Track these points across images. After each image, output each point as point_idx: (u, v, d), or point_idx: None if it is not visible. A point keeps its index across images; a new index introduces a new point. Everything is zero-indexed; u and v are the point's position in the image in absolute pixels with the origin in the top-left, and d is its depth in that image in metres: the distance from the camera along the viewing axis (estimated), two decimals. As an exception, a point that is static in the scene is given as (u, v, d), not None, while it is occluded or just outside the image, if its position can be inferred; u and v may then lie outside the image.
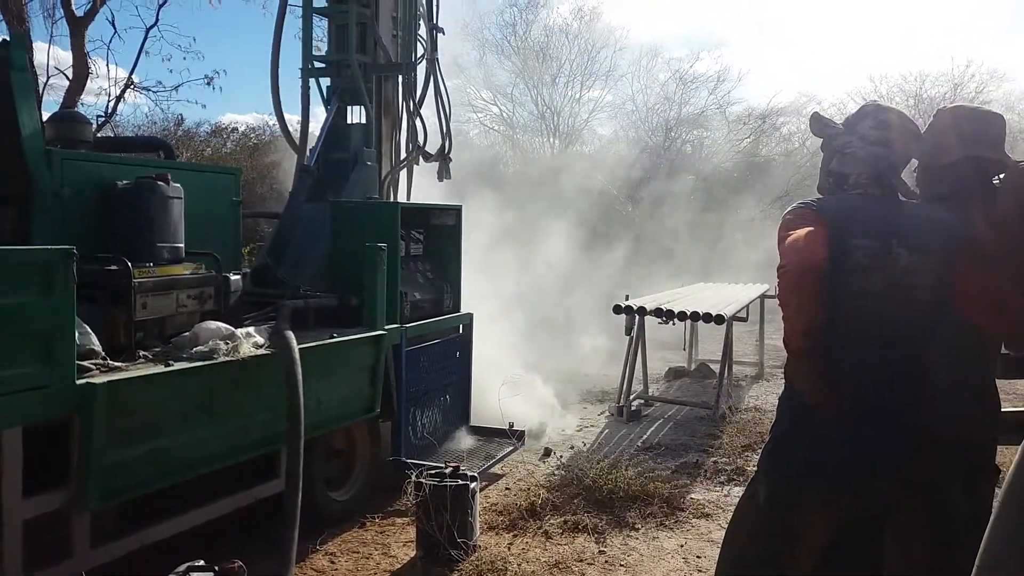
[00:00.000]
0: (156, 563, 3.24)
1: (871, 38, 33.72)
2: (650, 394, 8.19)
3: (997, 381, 2.81)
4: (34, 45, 11.41)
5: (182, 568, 2.89)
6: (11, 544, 2.91)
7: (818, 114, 2.76)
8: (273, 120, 6.78)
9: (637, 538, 4.52)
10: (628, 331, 7.50)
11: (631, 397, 7.51)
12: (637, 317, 7.36)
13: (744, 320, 8.43)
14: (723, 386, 7.70)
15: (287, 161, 6.96)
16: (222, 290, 4.25)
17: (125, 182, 4.13)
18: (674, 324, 7.74)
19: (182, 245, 4.24)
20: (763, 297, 9.54)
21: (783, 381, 2.71)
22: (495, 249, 8.42)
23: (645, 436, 6.80)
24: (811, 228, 2.42)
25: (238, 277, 4.61)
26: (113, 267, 3.71)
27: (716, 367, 8.45)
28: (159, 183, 4.11)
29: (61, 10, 11.96)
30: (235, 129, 27.48)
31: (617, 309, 7.35)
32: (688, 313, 7.18)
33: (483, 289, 6.85)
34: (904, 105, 23.44)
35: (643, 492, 4.95)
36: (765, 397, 8.19)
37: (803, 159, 22.25)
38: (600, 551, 4.32)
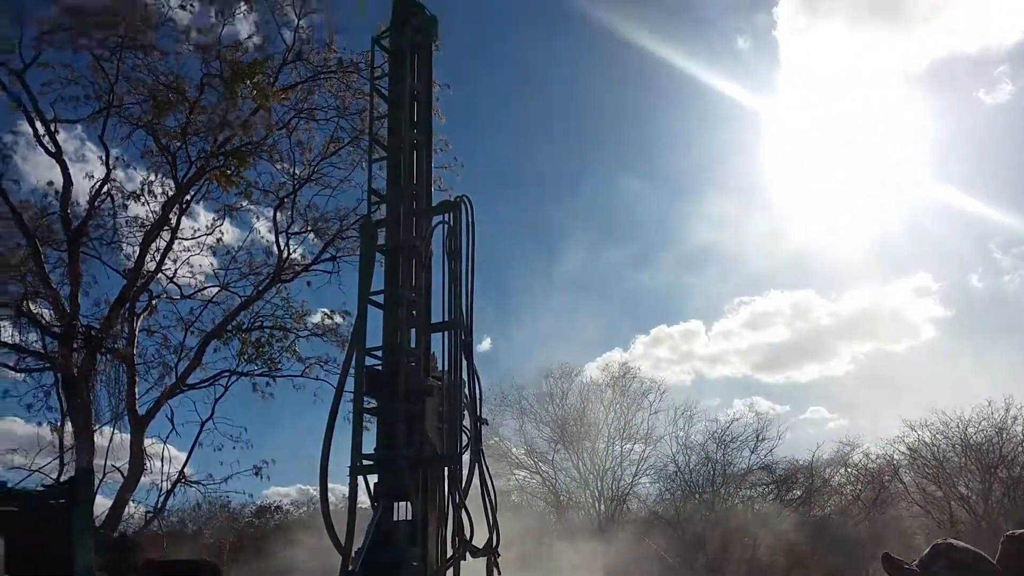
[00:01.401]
0: None
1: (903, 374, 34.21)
2: None
3: None
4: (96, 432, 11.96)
5: None
6: None
7: (889, 554, 2.74)
8: (315, 491, 6.82)
9: None
10: None
11: None
12: None
13: None
14: None
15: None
16: None
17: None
18: None
19: None
20: None
21: None
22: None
23: None
24: None
25: None
26: None
27: None
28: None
29: (126, 408, 12.70)
30: (279, 508, 27.68)
31: None
32: None
33: None
34: (952, 452, 22.96)
35: None
36: None
37: (859, 513, 21.40)
38: None
